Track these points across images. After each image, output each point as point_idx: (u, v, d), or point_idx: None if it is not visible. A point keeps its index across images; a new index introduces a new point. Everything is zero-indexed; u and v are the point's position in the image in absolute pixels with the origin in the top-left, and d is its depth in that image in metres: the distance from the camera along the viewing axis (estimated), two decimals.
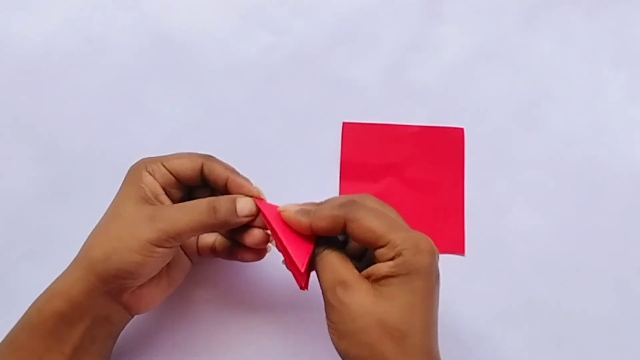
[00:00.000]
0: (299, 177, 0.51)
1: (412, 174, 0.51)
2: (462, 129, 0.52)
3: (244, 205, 0.39)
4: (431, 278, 0.36)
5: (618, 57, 0.54)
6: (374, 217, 0.36)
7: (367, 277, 0.36)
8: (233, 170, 0.41)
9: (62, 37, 0.53)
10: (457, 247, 0.50)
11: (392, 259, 0.35)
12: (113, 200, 0.41)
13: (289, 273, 0.40)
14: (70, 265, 0.40)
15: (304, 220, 0.38)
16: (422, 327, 0.36)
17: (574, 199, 0.51)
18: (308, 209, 0.38)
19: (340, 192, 0.50)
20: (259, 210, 0.40)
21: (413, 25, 0.54)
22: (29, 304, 0.39)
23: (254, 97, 0.52)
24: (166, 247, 0.38)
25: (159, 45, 0.53)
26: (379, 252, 0.36)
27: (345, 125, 0.52)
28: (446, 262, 0.49)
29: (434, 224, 0.50)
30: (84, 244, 0.40)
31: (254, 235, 0.41)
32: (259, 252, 0.43)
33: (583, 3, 0.55)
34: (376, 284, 0.36)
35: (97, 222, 0.40)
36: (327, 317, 0.37)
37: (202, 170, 0.41)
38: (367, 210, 0.36)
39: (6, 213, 0.49)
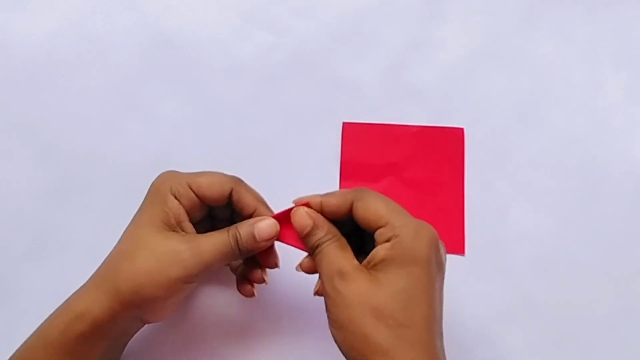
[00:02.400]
0: (299, 177, 0.51)
1: (412, 174, 0.51)
2: (462, 129, 0.52)
3: (263, 230, 0.39)
4: (430, 267, 0.35)
5: (618, 57, 0.54)
6: (380, 201, 0.37)
7: (367, 265, 0.36)
8: (262, 201, 0.41)
9: (62, 37, 0.53)
10: (457, 247, 0.49)
11: (389, 239, 0.35)
12: (136, 219, 0.40)
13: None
14: (91, 284, 0.39)
15: (316, 198, 0.39)
16: (422, 319, 0.34)
17: (574, 199, 0.51)
18: (321, 194, 0.40)
19: None
20: (279, 232, 0.40)
21: (413, 25, 0.54)
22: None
23: (254, 97, 0.52)
24: (194, 282, 0.39)
25: (159, 45, 0.53)
26: (378, 233, 0.36)
27: (345, 125, 0.52)
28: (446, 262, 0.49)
29: (434, 224, 0.49)
30: (107, 264, 0.39)
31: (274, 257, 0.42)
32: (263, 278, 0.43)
33: (583, 3, 0.55)
34: (373, 270, 0.36)
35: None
36: (326, 309, 0.37)
37: (230, 194, 0.40)
38: (375, 194, 0.38)
39: (6, 213, 0.49)
